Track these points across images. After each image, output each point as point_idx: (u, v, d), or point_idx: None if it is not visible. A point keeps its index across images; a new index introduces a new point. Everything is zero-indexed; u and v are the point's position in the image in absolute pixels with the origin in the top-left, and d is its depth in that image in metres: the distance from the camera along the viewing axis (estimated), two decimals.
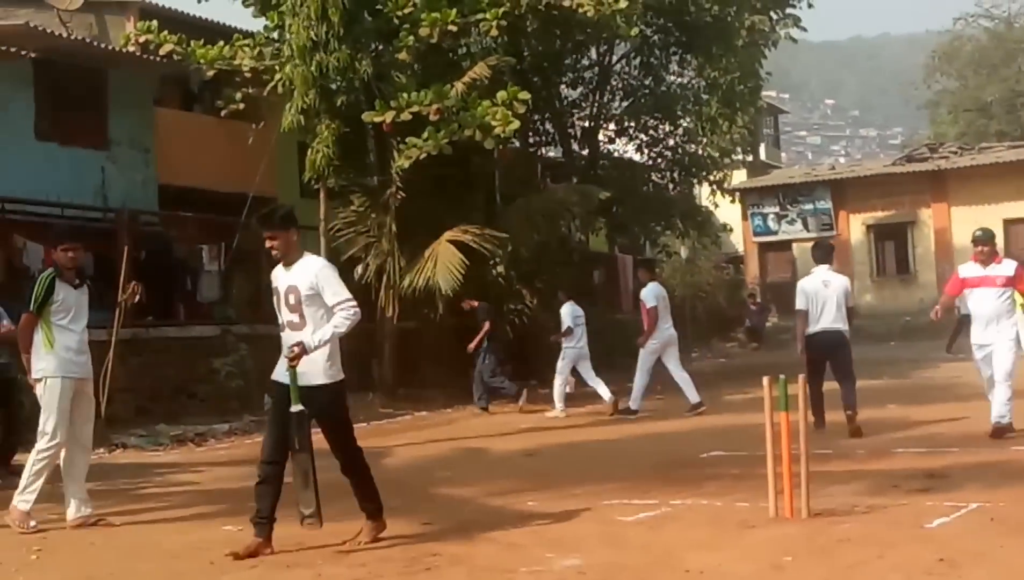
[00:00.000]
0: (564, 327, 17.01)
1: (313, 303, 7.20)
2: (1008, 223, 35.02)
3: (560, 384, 16.89)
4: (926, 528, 7.07)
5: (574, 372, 17.20)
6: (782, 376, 7.61)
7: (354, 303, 7.22)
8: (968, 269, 11.64)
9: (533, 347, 21.95)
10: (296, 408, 7.03)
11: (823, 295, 12.52)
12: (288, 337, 7.20)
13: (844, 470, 9.66)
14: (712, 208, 30.80)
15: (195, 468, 12.57)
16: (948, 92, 60.25)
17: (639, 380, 16.10)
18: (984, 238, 11.60)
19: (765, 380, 7.63)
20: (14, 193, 17.80)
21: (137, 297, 9.24)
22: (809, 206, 38.64)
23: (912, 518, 7.35)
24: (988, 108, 55.71)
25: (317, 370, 7.16)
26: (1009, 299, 11.39)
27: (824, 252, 13.22)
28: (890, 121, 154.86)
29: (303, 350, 7.00)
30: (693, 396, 15.77)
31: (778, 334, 34.60)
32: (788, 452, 7.45)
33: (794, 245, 38.50)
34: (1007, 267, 11.43)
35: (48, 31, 19.06)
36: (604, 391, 16.81)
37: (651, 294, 15.82)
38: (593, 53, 26.93)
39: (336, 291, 7.21)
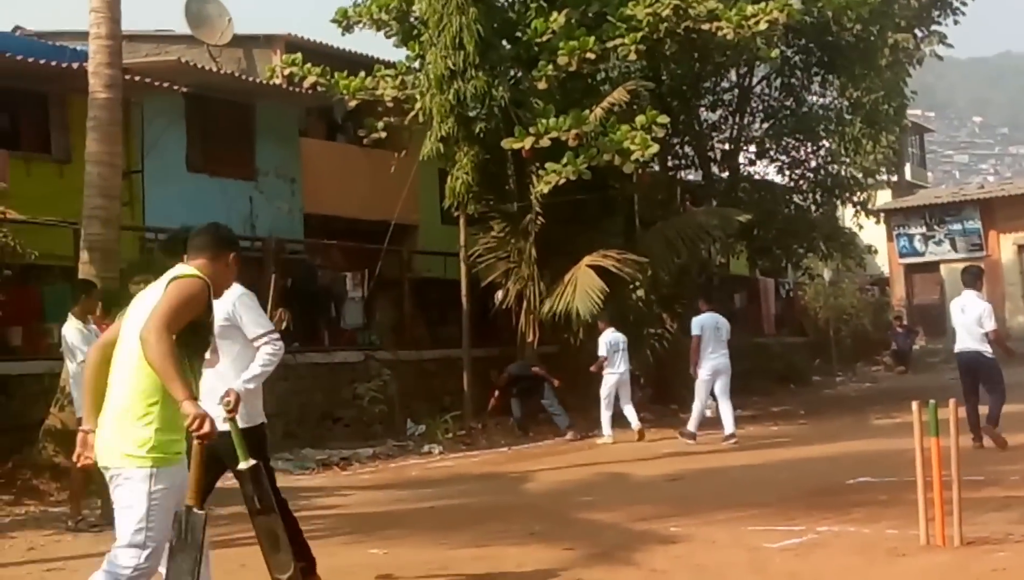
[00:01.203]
0: (600, 355, 17.26)
1: (227, 336, 6.42)
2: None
3: (605, 409, 17.15)
4: None
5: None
6: (932, 401, 7.44)
7: (278, 336, 6.53)
8: None
9: (672, 371, 21.80)
10: (245, 464, 5.85)
11: (959, 320, 13.33)
12: (205, 378, 5.66)
13: (998, 496, 9.39)
14: (856, 229, 30.25)
15: (340, 492, 12.77)
16: None
17: (696, 406, 16.19)
18: None
19: (914, 405, 7.46)
20: (168, 223, 18.36)
21: (284, 324, 9.41)
22: (957, 226, 37.71)
23: None
24: None
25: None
26: None
27: (971, 277, 13.69)
28: None
29: (237, 398, 6.13)
30: (729, 427, 15.89)
31: (926, 357, 33.78)
32: (939, 478, 7.27)
33: (942, 266, 37.58)
34: None
35: (199, 66, 19.70)
36: (633, 419, 17.07)
37: (697, 323, 16.12)
38: (733, 75, 26.70)
39: (258, 322, 6.48)
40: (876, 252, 37.15)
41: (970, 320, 13.20)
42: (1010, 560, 6.84)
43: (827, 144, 27.16)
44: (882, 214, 37.45)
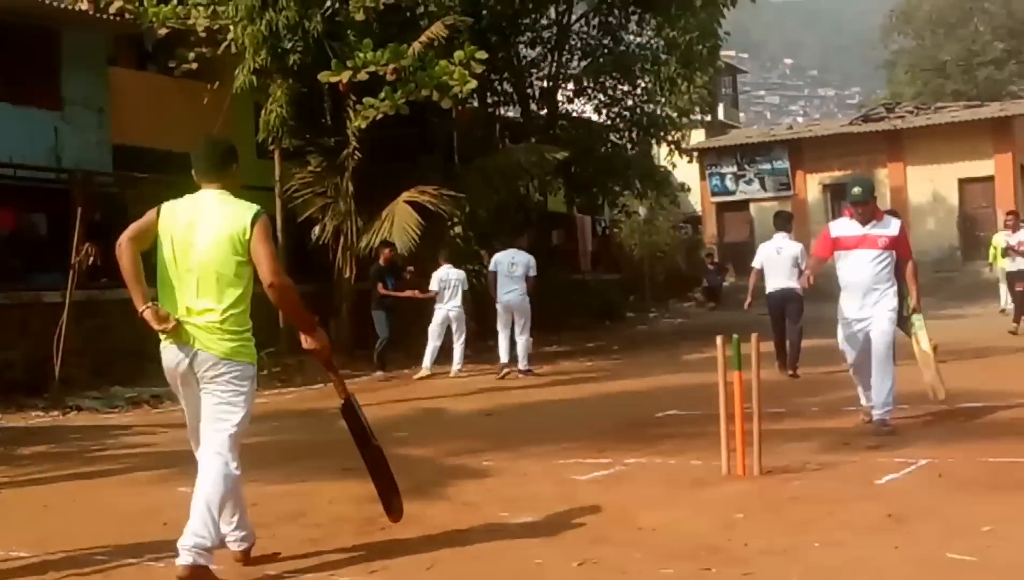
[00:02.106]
0: (430, 289, 17.39)
1: None
2: (963, 182, 35.35)
3: (430, 341, 17.23)
4: (876, 485, 7.16)
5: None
6: (735, 335, 7.66)
7: None
8: (842, 226, 9.55)
9: (491, 306, 21.92)
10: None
11: (775, 261, 14.23)
12: None
13: (797, 428, 9.76)
14: (670, 168, 30.84)
15: (151, 430, 12.51)
16: (905, 52, 60.68)
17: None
18: (862, 197, 9.30)
19: (719, 340, 7.67)
20: None
21: (92, 259, 9.16)
22: (767, 166, 38.74)
23: (862, 475, 7.44)
24: (944, 68, 56.08)
25: None
26: (890, 265, 9.34)
27: (783, 220, 14.77)
28: (848, 81, 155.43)
29: None
30: (523, 362, 16.45)
31: (735, 293, 34.73)
32: (741, 410, 7.51)
33: (751, 205, 38.64)
34: (890, 225, 9.45)
35: None
36: (457, 360, 17.22)
37: (493, 260, 16.82)
38: (552, 12, 26.83)
39: None
40: (689, 190, 37.97)
41: (786, 259, 14.15)
42: (806, 488, 7.12)
43: (643, 83, 27.56)
44: (695, 153, 38.24)
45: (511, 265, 16.42)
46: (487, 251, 21.79)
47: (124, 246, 5.64)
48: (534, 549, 5.94)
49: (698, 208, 41.67)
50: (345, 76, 17.81)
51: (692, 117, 30.11)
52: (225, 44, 18.95)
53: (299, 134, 19.41)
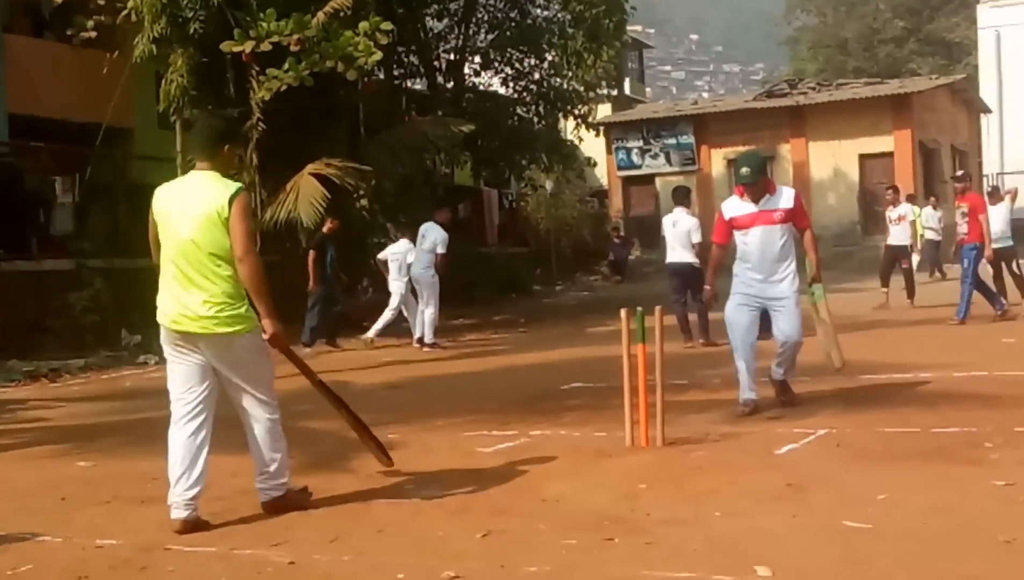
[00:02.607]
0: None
1: None
2: (863, 158, 35.92)
3: (386, 311, 17.33)
4: (776, 455, 7.27)
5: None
6: (639, 308, 7.71)
7: None
8: (734, 206, 9.05)
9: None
10: None
11: (671, 233, 14.71)
12: None
13: (700, 399, 9.87)
14: (577, 142, 30.93)
15: (48, 404, 12.31)
16: (808, 29, 61.48)
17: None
18: (751, 178, 8.88)
19: (623, 313, 7.72)
20: None
21: None
22: (672, 141, 38.98)
23: (763, 445, 7.55)
24: (846, 45, 56.91)
25: None
26: (789, 239, 8.97)
27: (681, 195, 15.14)
28: (753, 57, 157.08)
29: None
30: (421, 333, 16.59)
31: (641, 267, 35.09)
32: (644, 383, 7.56)
33: (657, 179, 38.85)
34: (783, 197, 9.00)
35: None
36: (376, 328, 17.27)
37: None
38: None
39: None
40: (595, 164, 38.09)
41: (681, 233, 14.55)
42: (706, 458, 7.21)
43: (550, 57, 27.59)
44: (602, 127, 38.33)
45: (421, 237, 16.41)
46: (393, 224, 21.73)
47: (155, 256, 6.23)
48: (438, 521, 5.94)
49: (604, 182, 41.82)
50: (248, 46, 17.54)
51: (599, 91, 30.15)
52: (124, 12, 18.55)
53: (201, 105, 19.04)
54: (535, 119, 28.75)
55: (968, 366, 10.94)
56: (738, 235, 8.98)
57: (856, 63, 54.90)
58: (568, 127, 31.59)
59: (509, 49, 27.57)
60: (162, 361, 12.17)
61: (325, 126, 20.46)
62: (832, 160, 36.32)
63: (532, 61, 28.02)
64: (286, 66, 17.63)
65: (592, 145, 35.49)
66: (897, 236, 19.23)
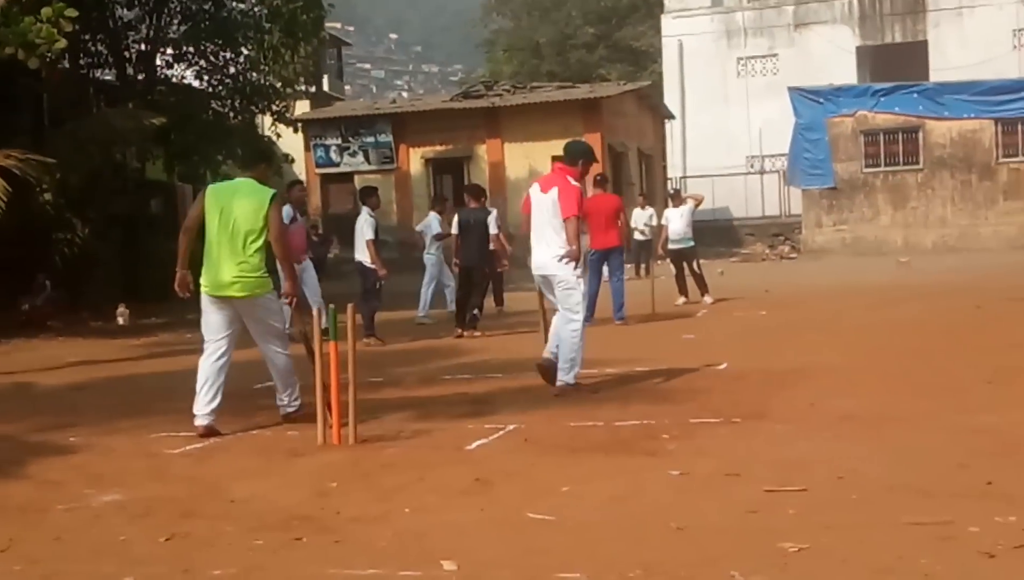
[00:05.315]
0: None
1: None
2: (556, 159, 36.82)
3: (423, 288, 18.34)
4: (466, 450, 7.41)
5: None
6: (331, 306, 7.71)
7: None
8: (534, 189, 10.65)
9: (87, 276, 21.06)
10: None
11: (357, 234, 15.25)
12: None
13: (394, 397, 9.93)
14: (274, 138, 30.50)
15: None
16: (504, 32, 62.74)
17: None
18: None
19: (315, 311, 7.71)
20: None
21: None
22: (371, 139, 39.02)
23: (454, 441, 7.67)
24: (539, 49, 58.36)
25: None
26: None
27: (364, 194, 16.33)
28: (452, 58, 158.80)
29: None
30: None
31: (339, 265, 34.94)
32: (336, 380, 7.56)
33: (356, 177, 38.82)
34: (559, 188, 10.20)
35: None
36: (422, 306, 18.22)
37: None
38: None
39: None
40: (293, 161, 37.74)
41: (362, 229, 15.12)
42: (398, 455, 7.28)
43: (246, 51, 27.08)
44: (300, 124, 37.98)
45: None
46: (80, 218, 20.89)
47: (182, 236, 8.48)
48: (120, 526, 5.77)
49: (304, 179, 41.44)
50: None
51: (296, 88, 29.89)
52: None
53: None
54: (231, 114, 28.15)
55: (649, 361, 11.41)
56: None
57: (549, 67, 56.32)
58: (266, 123, 31.14)
59: (204, 42, 26.89)
60: None
61: (5, 116, 19.48)
62: (527, 161, 37.14)
63: (228, 55, 27.41)
64: None
65: (290, 141, 35.08)
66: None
